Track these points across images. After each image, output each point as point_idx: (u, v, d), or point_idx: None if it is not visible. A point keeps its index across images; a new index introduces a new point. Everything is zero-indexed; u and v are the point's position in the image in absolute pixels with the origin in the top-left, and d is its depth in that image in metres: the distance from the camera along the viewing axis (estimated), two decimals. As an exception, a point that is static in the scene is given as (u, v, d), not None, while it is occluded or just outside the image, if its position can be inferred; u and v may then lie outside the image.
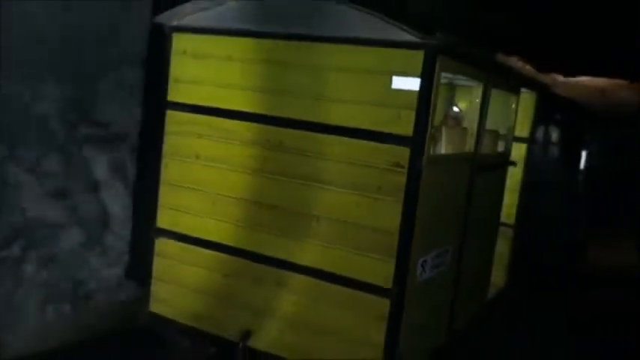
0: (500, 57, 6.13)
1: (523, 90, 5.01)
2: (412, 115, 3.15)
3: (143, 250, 4.15)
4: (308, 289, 3.51)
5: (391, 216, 3.23)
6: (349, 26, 3.30)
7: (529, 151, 5.55)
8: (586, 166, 8.62)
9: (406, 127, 3.16)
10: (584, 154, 8.35)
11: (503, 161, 4.86)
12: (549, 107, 5.95)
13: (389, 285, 3.26)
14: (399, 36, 3.15)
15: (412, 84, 3.15)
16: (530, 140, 5.57)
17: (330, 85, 3.37)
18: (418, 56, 3.12)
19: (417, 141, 3.15)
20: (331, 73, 3.37)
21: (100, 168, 4.27)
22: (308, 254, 3.50)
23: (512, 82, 4.74)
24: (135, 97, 4.39)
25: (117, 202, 4.44)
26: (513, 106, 4.83)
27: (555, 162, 7.14)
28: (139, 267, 4.32)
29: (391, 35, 3.17)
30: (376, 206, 3.29)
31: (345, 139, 3.34)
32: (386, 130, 3.22)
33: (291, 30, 3.44)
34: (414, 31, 3.11)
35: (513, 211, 5.47)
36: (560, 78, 7.90)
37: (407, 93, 3.16)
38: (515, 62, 6.99)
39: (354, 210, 3.35)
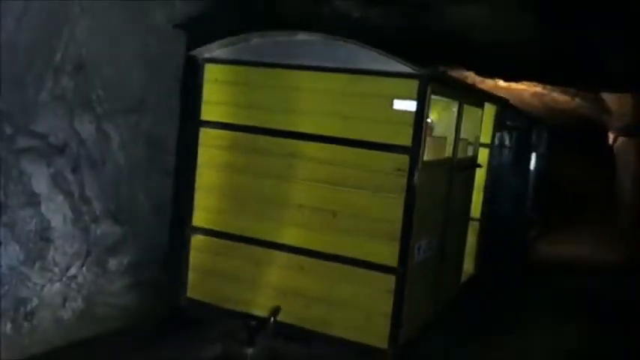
0: (443, 68, 7.18)
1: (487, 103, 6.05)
2: (410, 130, 4.12)
3: (178, 247, 4.93)
4: (328, 271, 4.42)
5: (395, 210, 4.19)
6: (358, 60, 4.23)
7: (490, 155, 6.57)
8: (535, 168, 9.79)
9: (406, 140, 4.14)
10: (533, 156, 9.50)
11: (473, 164, 5.90)
12: (505, 116, 7.03)
13: (394, 263, 4.19)
14: (399, 68, 4.13)
15: (410, 106, 4.12)
16: (492, 146, 6.58)
17: (342, 106, 4.31)
18: (414, 84, 4.08)
19: (415, 150, 4.15)
20: (342, 96, 4.30)
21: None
22: (328, 243, 4.41)
23: (478, 98, 5.77)
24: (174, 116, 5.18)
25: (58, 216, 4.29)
26: (479, 117, 5.85)
27: (509, 164, 8.20)
28: (175, 261, 5.06)
29: (392, 67, 4.14)
30: (383, 202, 4.25)
31: (357, 149, 4.28)
32: (389, 142, 4.19)
33: (307, 62, 4.36)
34: (411, 64, 4.08)
35: (479, 207, 6.49)
36: (501, 82, 8.94)
37: (406, 113, 4.13)
38: (461, 72, 8.00)
39: (365, 206, 4.28)
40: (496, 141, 6.83)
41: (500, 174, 7.43)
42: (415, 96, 4.07)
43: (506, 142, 8.17)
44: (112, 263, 4.81)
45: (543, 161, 10.68)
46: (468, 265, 6.48)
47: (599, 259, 10.10)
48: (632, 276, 8.07)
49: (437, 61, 6.71)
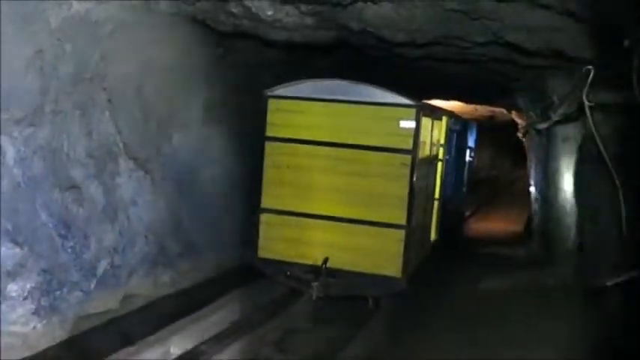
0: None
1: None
2: (411, 139, 6.70)
3: (252, 222, 7.29)
4: (359, 231, 6.88)
5: (403, 190, 6.75)
6: (375, 95, 6.78)
7: (444, 152, 9.45)
8: (469, 160, 12.94)
9: (409, 145, 6.69)
10: (467, 151, 12.51)
11: (437, 158, 8.74)
12: (453, 123, 9.93)
13: (404, 223, 6.76)
14: (403, 101, 6.77)
15: (410, 124, 6.70)
16: (445, 145, 9.45)
17: (366, 125, 6.81)
18: (413, 111, 6.72)
19: (414, 151, 6.73)
20: (367, 119, 6.80)
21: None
22: (358, 212, 6.89)
23: (440, 114, 8.69)
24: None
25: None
26: (441, 126, 8.77)
27: (453, 158, 11.05)
28: (250, 232, 7.38)
29: (398, 100, 6.76)
30: (394, 185, 6.79)
31: (377, 152, 6.80)
32: (398, 146, 6.74)
33: (339, 97, 6.87)
34: (409, 98, 6.66)
35: (439, 191, 9.34)
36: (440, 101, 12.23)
37: (408, 129, 6.69)
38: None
39: (383, 188, 6.81)
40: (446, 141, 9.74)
41: (448, 165, 10.22)
42: (413, 118, 6.71)
43: (451, 142, 10.94)
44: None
45: (474, 155, 13.98)
46: (433, 232, 9.35)
47: (508, 230, 14.42)
48: (527, 243, 12.03)
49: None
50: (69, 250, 6.11)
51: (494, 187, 19.68)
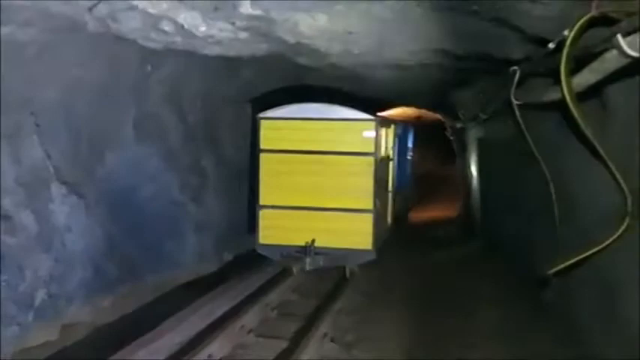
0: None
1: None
2: (373, 145, 8.82)
3: (254, 215, 9.34)
4: (338, 217, 8.81)
5: (368, 183, 8.78)
6: (345, 114, 8.82)
7: (393, 152, 11.27)
8: (409, 159, 15.31)
9: (371, 149, 8.80)
10: (409, 150, 15.00)
11: (389, 158, 10.62)
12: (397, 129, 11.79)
13: (371, 208, 8.82)
14: (365, 117, 8.90)
15: (371, 134, 8.80)
16: (394, 147, 11.24)
17: (338, 136, 8.78)
18: (372, 123, 8.88)
19: (375, 154, 8.86)
20: (338, 130, 8.76)
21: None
22: (337, 202, 8.79)
23: (390, 123, 10.69)
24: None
25: None
26: (391, 131, 10.65)
27: (399, 156, 12.57)
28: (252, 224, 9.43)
29: (362, 116, 8.87)
30: (362, 180, 8.76)
31: (349, 156, 8.77)
32: (363, 151, 8.77)
33: (318, 116, 8.81)
34: (371, 114, 8.43)
35: (391, 184, 11.35)
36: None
37: (370, 137, 8.78)
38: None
39: (354, 183, 8.75)
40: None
41: (396, 164, 11.97)
42: (373, 129, 8.79)
43: (397, 144, 12.24)
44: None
45: (413, 154, 16.13)
46: (389, 218, 11.43)
47: (445, 217, 16.70)
48: (459, 225, 14.23)
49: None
50: (3, 283, 5.90)
51: (431, 181, 21.96)
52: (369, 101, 11.75)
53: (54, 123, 6.69)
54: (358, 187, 8.66)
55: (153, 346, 6.01)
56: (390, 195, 11.10)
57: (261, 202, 9.03)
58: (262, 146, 8.95)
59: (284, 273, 8.73)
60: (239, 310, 7.12)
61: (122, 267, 8.00)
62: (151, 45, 6.54)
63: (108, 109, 7.77)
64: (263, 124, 8.90)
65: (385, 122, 10.22)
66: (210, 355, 5.82)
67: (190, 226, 9.60)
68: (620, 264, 4.49)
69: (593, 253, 4.42)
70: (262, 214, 9.03)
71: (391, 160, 11.08)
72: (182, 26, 5.56)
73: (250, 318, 6.91)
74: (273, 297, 7.81)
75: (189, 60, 7.92)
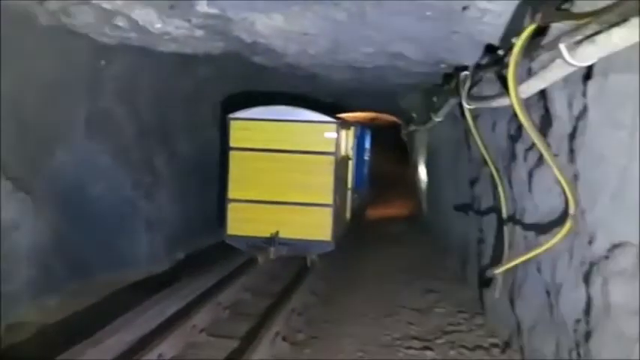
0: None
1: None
2: (334, 145, 9.30)
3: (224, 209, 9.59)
4: (301, 210, 9.36)
5: (329, 180, 9.33)
6: (309, 116, 9.35)
7: (352, 153, 11.77)
8: (367, 159, 16.29)
9: (332, 149, 9.28)
10: (366, 152, 15.87)
11: (349, 158, 11.07)
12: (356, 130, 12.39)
13: (331, 202, 9.38)
14: (328, 119, 9.40)
15: (333, 135, 9.29)
16: (353, 147, 11.71)
17: (301, 136, 9.25)
18: (334, 125, 9.39)
19: (336, 153, 9.33)
20: (302, 131, 9.27)
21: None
22: (300, 197, 9.33)
23: (351, 125, 11.47)
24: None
25: None
26: (351, 133, 11.12)
27: (357, 157, 13.26)
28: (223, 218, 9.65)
29: (325, 119, 9.38)
30: (323, 177, 9.32)
31: (311, 155, 9.27)
32: (325, 150, 9.27)
33: (284, 117, 9.31)
34: (332, 116, 9.41)
35: (350, 182, 12.00)
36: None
37: (331, 138, 9.28)
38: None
39: (316, 180, 9.29)
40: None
41: (354, 163, 12.66)
42: (335, 130, 9.31)
43: (356, 145, 13.00)
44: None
45: (370, 154, 17.24)
46: (348, 213, 12.00)
47: (398, 215, 17.48)
48: (410, 223, 15.24)
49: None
50: (-54, 281, 5.71)
51: (387, 181, 22.96)
52: (328, 106, 12.32)
53: (1, 117, 6.49)
54: (319, 183, 9.34)
55: (101, 345, 5.92)
56: (348, 192, 11.79)
57: (230, 196, 9.57)
58: (232, 144, 9.50)
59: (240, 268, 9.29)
60: (195, 305, 7.11)
61: (70, 265, 7.83)
62: (105, 40, 6.43)
63: (59, 104, 7.60)
64: (232, 124, 9.44)
65: (345, 124, 10.84)
66: (160, 355, 5.78)
67: (142, 224, 9.47)
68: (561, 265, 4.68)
69: (537, 254, 4.59)
70: (231, 207, 9.58)
71: (350, 159, 11.83)
72: (137, 22, 5.50)
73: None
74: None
75: (144, 56, 7.82)
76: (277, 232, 9.29)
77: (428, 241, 12.57)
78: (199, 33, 5.83)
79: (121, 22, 5.56)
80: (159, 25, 5.55)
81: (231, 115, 9.53)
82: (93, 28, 5.98)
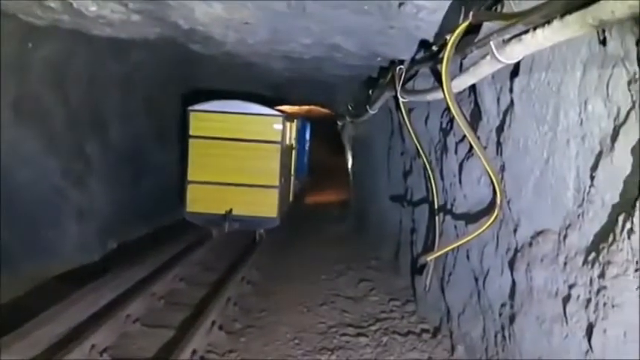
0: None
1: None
2: (280, 135, 11.16)
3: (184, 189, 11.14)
4: (251, 191, 11.05)
5: (275, 165, 11.17)
6: (260, 110, 11.13)
7: (295, 143, 13.44)
8: (307, 149, 18.28)
9: (278, 138, 11.16)
10: (306, 143, 17.57)
11: (292, 147, 13.58)
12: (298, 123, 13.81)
13: (277, 184, 11.20)
14: (275, 113, 11.37)
15: (279, 127, 11.17)
16: (295, 139, 13.26)
17: (252, 127, 11.00)
18: (280, 118, 11.28)
19: (282, 142, 11.23)
20: (253, 123, 11.02)
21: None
22: (250, 179, 11.02)
23: (293, 118, 13.30)
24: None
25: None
26: (294, 126, 12.89)
27: (299, 147, 15.24)
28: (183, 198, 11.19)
29: (273, 112, 11.31)
30: (270, 163, 11.14)
31: (260, 144, 11.04)
32: (272, 140, 11.12)
33: (236, 110, 11.02)
34: (279, 111, 11.62)
35: (293, 169, 13.92)
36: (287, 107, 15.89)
37: (278, 129, 11.14)
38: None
39: (263, 165, 11.07)
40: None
41: (297, 153, 14.44)
42: (281, 123, 11.08)
43: (298, 136, 14.75)
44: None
45: (309, 145, 19.79)
46: (291, 196, 13.85)
47: (335, 200, 19.10)
48: (342, 207, 16.79)
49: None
50: None
51: (325, 170, 24.77)
52: (269, 99, 12.83)
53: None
54: (267, 168, 10.96)
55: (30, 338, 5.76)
56: (291, 178, 13.56)
57: (190, 178, 11.04)
58: (191, 133, 10.97)
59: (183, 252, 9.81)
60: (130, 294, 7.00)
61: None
62: (35, 21, 6.19)
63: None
64: (192, 115, 10.92)
65: (290, 117, 12.37)
66: (93, 346, 5.69)
67: (71, 214, 9.19)
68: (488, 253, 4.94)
69: (466, 242, 4.82)
70: (190, 188, 11.05)
71: (294, 149, 13.65)
72: (70, 4, 5.33)
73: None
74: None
75: (75, 39, 7.57)
76: (230, 210, 10.78)
77: (351, 223, 14.26)
78: (136, 18, 5.71)
79: (52, 3, 5.37)
80: (94, 9, 5.39)
81: (190, 108, 10.95)
82: (22, 8, 5.74)
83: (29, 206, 8.21)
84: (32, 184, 8.25)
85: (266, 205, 10.98)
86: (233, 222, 10.73)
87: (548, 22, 2.40)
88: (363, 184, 13.06)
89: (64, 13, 5.65)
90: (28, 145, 8.17)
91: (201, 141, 10.87)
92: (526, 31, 2.65)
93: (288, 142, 12.08)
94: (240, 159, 10.84)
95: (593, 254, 3.11)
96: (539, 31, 2.51)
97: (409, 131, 6.43)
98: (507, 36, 2.84)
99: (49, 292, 7.51)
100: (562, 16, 2.28)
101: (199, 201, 10.92)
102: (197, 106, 10.90)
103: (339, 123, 14.94)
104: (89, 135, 9.78)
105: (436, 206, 6.17)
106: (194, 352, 5.75)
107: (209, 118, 10.80)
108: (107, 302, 7.11)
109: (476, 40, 3.44)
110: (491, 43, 3.00)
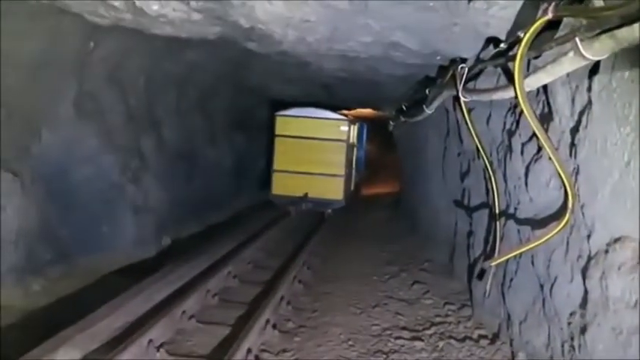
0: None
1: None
2: (346, 135, 14.66)
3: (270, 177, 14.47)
4: (323, 178, 14.27)
5: (341, 158, 14.56)
6: (329, 114, 14.73)
7: (356, 142, 17.93)
8: (365, 146, 22.03)
9: (344, 138, 14.61)
10: (363, 140, 21.23)
11: (354, 146, 17.10)
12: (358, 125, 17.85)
13: (343, 174, 14.59)
14: (342, 117, 14.95)
15: (345, 128, 14.65)
16: (356, 138, 17.68)
17: (324, 128, 14.43)
18: (347, 122, 14.86)
19: (347, 141, 14.74)
20: (325, 125, 14.45)
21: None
22: (322, 169, 14.28)
23: (355, 121, 17.02)
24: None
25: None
26: (356, 127, 17.31)
27: (359, 145, 18.62)
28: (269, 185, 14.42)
29: (339, 117, 14.89)
30: (338, 156, 14.56)
31: (331, 142, 14.43)
32: (340, 138, 14.58)
33: (313, 115, 14.60)
34: (344, 116, 15.28)
35: (354, 163, 17.44)
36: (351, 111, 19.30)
37: (344, 130, 14.60)
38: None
39: (333, 158, 14.47)
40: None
41: (357, 150, 17.68)
42: (347, 125, 14.62)
43: (357, 136, 18.10)
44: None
45: (367, 143, 22.70)
46: (352, 184, 16.48)
47: (388, 193, 21.36)
48: (394, 198, 18.62)
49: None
50: None
51: (379, 166, 28.28)
52: (336, 108, 15.88)
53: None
54: (335, 160, 14.22)
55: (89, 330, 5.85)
56: (353, 170, 16.52)
57: (275, 167, 14.24)
58: (277, 133, 14.29)
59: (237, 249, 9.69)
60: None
61: (55, 249, 7.71)
62: (98, 20, 6.28)
63: (45, 84, 7.44)
64: (278, 119, 14.31)
65: (353, 121, 16.07)
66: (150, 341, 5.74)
67: (128, 209, 9.35)
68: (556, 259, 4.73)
69: (533, 247, 4.62)
70: (275, 175, 14.22)
71: (355, 146, 16.91)
72: (133, 3, 5.38)
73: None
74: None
75: (134, 38, 7.67)
76: (306, 194, 13.80)
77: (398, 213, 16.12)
78: (196, 17, 5.71)
79: (116, 2, 5.42)
80: (156, 7, 5.40)
81: (277, 113, 14.38)
82: (87, 7, 5.82)
83: (89, 202, 8.39)
84: (92, 180, 8.43)
85: (334, 190, 14.07)
86: (308, 202, 13.72)
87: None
88: (415, 184, 12.85)
89: (127, 12, 5.71)
90: (88, 142, 8.35)
91: (284, 139, 14.10)
92: (619, 26, 2.49)
93: (351, 140, 15.25)
94: (314, 153, 13.94)
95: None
96: (635, 25, 2.35)
97: (470, 131, 6.26)
98: (597, 30, 2.68)
99: (108, 285, 7.64)
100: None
101: (282, 186, 13.99)
102: (282, 112, 14.30)
103: (392, 123, 14.80)
104: (145, 132, 9.94)
105: (497, 209, 5.98)
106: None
107: (290, 121, 14.11)
108: (163, 297, 7.18)
109: (556, 37, 3.28)
110: (577, 38, 2.85)
